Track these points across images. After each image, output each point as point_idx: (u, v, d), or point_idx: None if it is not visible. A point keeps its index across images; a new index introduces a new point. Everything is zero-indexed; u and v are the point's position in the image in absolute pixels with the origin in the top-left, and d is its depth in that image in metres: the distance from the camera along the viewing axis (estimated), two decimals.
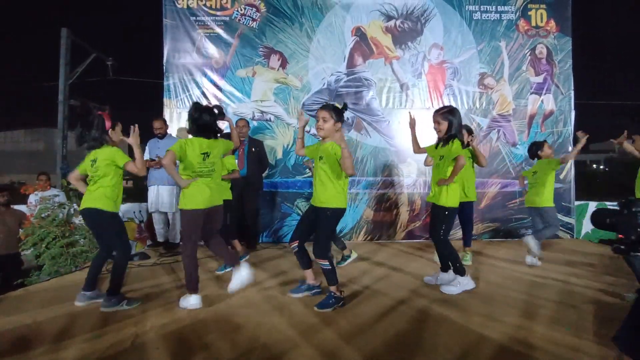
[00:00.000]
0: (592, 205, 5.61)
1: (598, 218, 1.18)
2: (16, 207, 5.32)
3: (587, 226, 5.66)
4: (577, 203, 5.73)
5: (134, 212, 5.24)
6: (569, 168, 5.74)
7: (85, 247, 4.23)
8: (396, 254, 4.61)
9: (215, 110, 2.80)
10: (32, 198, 5.15)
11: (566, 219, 5.70)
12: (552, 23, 5.80)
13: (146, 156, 4.90)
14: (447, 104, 5.67)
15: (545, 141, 4.35)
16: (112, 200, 2.77)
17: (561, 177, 5.67)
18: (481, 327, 2.35)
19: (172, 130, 5.31)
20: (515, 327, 2.34)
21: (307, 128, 5.55)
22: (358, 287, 3.17)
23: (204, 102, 5.56)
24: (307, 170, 5.25)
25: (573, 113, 5.78)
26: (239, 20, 5.62)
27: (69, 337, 2.24)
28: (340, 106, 2.71)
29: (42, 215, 4.27)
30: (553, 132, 5.76)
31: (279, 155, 5.58)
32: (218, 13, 5.63)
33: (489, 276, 3.54)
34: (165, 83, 5.61)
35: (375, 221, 5.63)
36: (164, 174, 4.66)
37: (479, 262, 4.12)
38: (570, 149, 5.76)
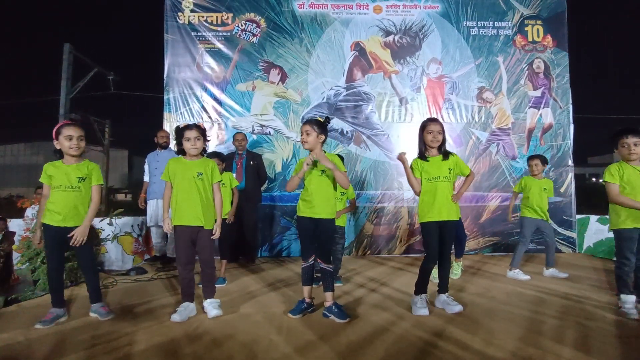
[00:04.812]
0: (593, 219, 5.58)
1: None
2: (13, 220, 5.29)
3: (588, 240, 5.62)
4: (578, 217, 5.70)
5: (132, 226, 5.20)
6: (569, 182, 5.73)
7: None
8: (396, 268, 4.56)
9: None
10: (29, 212, 5.12)
11: (568, 233, 5.66)
12: (549, 38, 5.88)
13: (146, 168, 4.90)
14: (446, 117, 5.71)
15: (531, 159, 4.17)
16: None
17: (561, 190, 5.66)
18: (484, 345, 2.29)
19: (171, 144, 5.30)
20: (520, 345, 2.28)
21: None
22: (357, 302, 3.12)
23: (204, 116, 5.60)
24: None
25: (572, 127, 5.81)
26: (240, 35, 5.69)
27: (60, 355, 2.18)
28: (322, 119, 2.85)
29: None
30: (552, 145, 5.77)
31: (278, 168, 5.58)
32: (219, 28, 5.70)
33: (490, 291, 3.49)
34: (165, 97, 5.65)
35: (375, 235, 5.59)
36: (163, 188, 4.63)
37: (480, 277, 4.07)
38: (570, 162, 5.77)
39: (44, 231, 2.72)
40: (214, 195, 2.89)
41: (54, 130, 2.73)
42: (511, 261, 4.06)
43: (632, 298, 2.79)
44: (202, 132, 2.85)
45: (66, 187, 2.69)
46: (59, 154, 2.76)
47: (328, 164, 2.70)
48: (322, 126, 2.80)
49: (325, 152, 2.87)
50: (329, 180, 2.81)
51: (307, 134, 2.75)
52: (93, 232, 2.88)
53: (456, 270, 3.99)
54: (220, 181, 2.95)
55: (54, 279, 2.77)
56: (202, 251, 2.82)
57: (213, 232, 2.84)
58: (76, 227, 2.69)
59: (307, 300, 2.84)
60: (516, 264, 4.03)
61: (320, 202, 2.77)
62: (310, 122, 2.80)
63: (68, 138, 2.68)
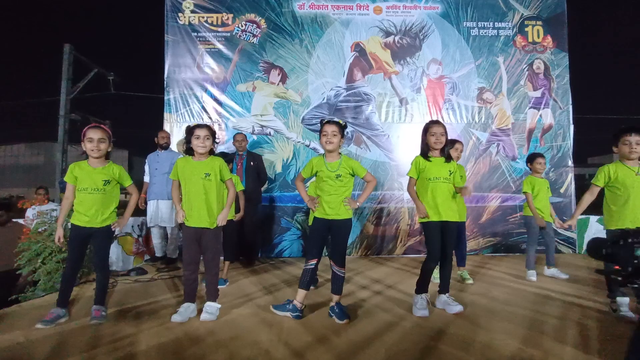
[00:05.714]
0: (593, 220, 5.57)
1: (594, 248, 1.14)
2: (13, 220, 5.27)
3: (588, 240, 5.61)
4: (578, 217, 5.68)
5: (132, 227, 5.19)
6: (569, 182, 5.73)
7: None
8: (396, 269, 4.57)
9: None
10: (30, 212, 5.11)
11: (568, 233, 5.66)
12: (549, 39, 5.89)
13: (146, 169, 4.90)
14: (446, 118, 5.71)
15: (540, 157, 4.18)
16: None
17: (561, 191, 5.66)
18: (485, 346, 2.29)
19: (172, 144, 5.31)
20: (520, 346, 2.29)
21: (306, 142, 5.61)
22: (357, 303, 3.12)
23: (204, 116, 5.60)
24: None
25: (572, 127, 5.81)
26: (240, 36, 5.69)
27: (61, 356, 2.19)
28: (342, 123, 2.86)
29: (39, 229, 4.22)
30: (552, 146, 5.77)
31: (279, 169, 5.58)
32: (219, 29, 5.70)
33: (491, 292, 3.50)
34: (166, 98, 5.65)
35: (375, 236, 5.59)
36: (164, 189, 4.64)
37: (481, 277, 4.07)
38: (570, 162, 5.78)
39: (70, 230, 2.81)
40: (228, 190, 2.92)
41: (82, 133, 2.84)
42: (526, 264, 4.06)
43: (626, 300, 2.81)
44: (212, 132, 2.88)
45: (92, 189, 2.78)
46: (86, 155, 2.85)
47: (361, 202, 2.89)
48: (343, 130, 2.85)
49: (341, 154, 2.88)
50: (343, 182, 2.82)
51: (334, 135, 2.77)
52: (110, 231, 2.89)
53: (467, 277, 3.88)
54: (231, 178, 2.96)
55: (67, 276, 2.83)
56: (206, 252, 2.84)
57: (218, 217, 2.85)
58: (100, 227, 2.79)
59: (299, 305, 2.77)
60: (531, 264, 4.02)
61: (336, 204, 2.80)
62: (336, 123, 2.80)
63: (89, 140, 2.78)
